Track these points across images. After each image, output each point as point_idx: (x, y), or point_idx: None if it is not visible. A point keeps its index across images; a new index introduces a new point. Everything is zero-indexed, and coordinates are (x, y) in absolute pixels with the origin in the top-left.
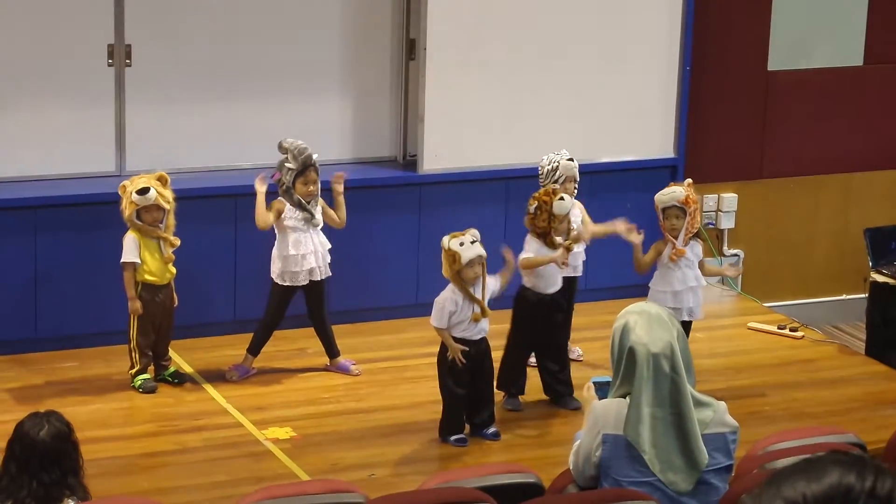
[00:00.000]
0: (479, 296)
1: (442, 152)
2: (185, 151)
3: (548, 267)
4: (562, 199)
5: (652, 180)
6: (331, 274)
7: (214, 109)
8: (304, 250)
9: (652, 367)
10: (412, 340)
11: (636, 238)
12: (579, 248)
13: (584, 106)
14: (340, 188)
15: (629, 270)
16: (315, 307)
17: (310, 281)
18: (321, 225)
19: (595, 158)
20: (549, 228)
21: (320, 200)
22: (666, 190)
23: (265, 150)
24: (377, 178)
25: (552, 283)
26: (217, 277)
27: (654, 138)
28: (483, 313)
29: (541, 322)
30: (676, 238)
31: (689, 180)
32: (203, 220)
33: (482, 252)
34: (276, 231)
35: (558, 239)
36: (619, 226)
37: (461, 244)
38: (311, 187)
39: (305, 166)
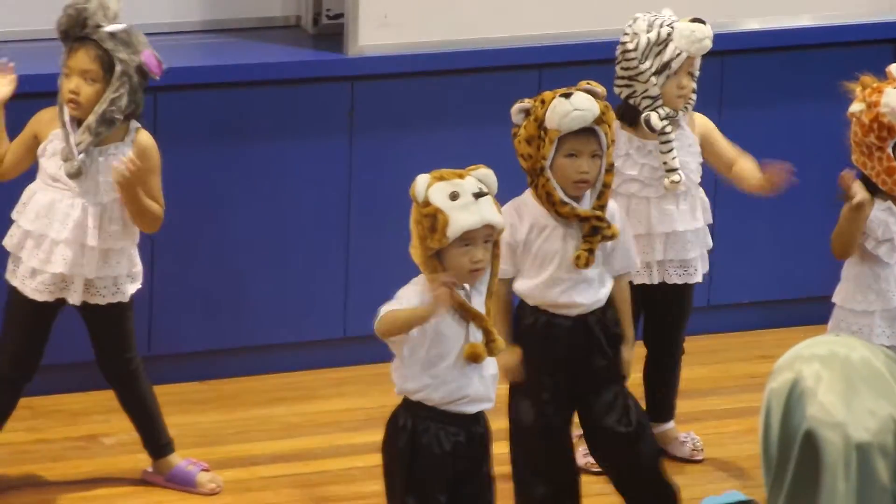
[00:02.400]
0: (476, 305)
1: (397, 12)
2: None
3: (560, 258)
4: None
5: (848, 66)
6: (129, 294)
7: None
8: (56, 232)
9: (855, 472)
10: (335, 418)
11: (861, 194)
12: (696, 224)
13: None
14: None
15: (796, 267)
16: (108, 350)
17: (66, 301)
18: (112, 191)
19: (731, 26)
20: None
21: (138, 138)
22: (893, 90)
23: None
24: (258, 66)
25: (569, 289)
26: None
27: None
28: (491, 346)
29: (569, 373)
30: None
31: None
32: None
33: (494, 218)
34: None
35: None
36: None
37: (453, 195)
38: (74, 84)
39: (71, 35)
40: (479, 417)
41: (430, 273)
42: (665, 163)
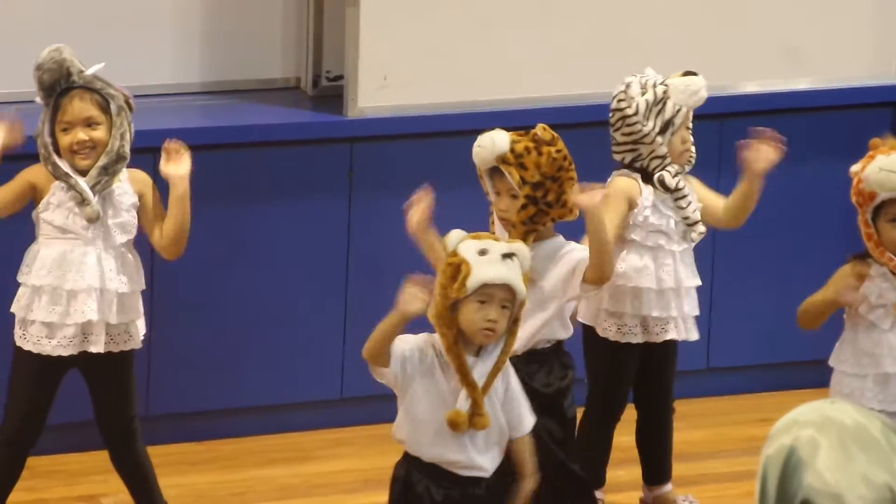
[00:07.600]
0: (478, 375)
1: (396, 74)
2: None
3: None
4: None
5: (847, 129)
6: (140, 339)
7: None
8: (73, 283)
9: None
10: (332, 479)
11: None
12: (697, 280)
13: None
14: (180, 171)
15: (796, 329)
16: (111, 404)
17: (82, 352)
18: (124, 233)
19: (730, 88)
20: None
21: (132, 176)
22: (890, 159)
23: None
24: (258, 127)
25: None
26: None
27: (855, 47)
28: (475, 420)
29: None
30: None
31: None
32: None
33: (516, 282)
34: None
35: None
36: None
37: (482, 251)
38: (81, 134)
39: (58, 88)
40: (481, 482)
41: (443, 328)
42: (686, 217)
